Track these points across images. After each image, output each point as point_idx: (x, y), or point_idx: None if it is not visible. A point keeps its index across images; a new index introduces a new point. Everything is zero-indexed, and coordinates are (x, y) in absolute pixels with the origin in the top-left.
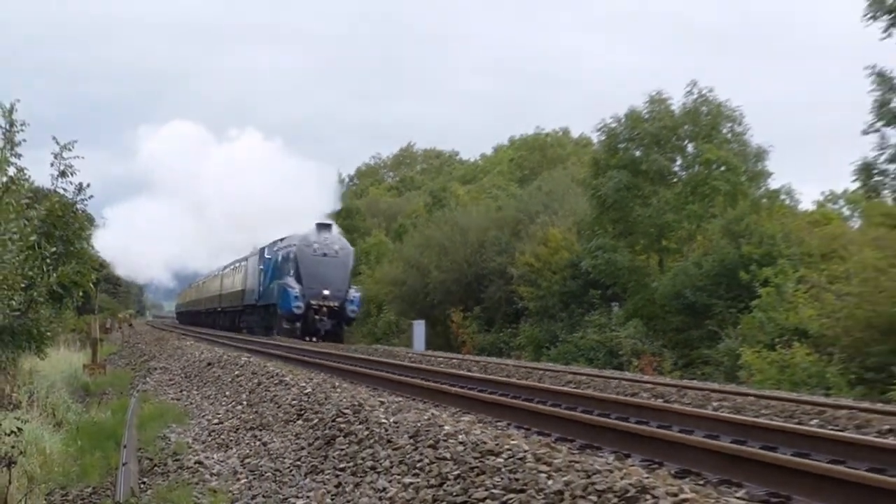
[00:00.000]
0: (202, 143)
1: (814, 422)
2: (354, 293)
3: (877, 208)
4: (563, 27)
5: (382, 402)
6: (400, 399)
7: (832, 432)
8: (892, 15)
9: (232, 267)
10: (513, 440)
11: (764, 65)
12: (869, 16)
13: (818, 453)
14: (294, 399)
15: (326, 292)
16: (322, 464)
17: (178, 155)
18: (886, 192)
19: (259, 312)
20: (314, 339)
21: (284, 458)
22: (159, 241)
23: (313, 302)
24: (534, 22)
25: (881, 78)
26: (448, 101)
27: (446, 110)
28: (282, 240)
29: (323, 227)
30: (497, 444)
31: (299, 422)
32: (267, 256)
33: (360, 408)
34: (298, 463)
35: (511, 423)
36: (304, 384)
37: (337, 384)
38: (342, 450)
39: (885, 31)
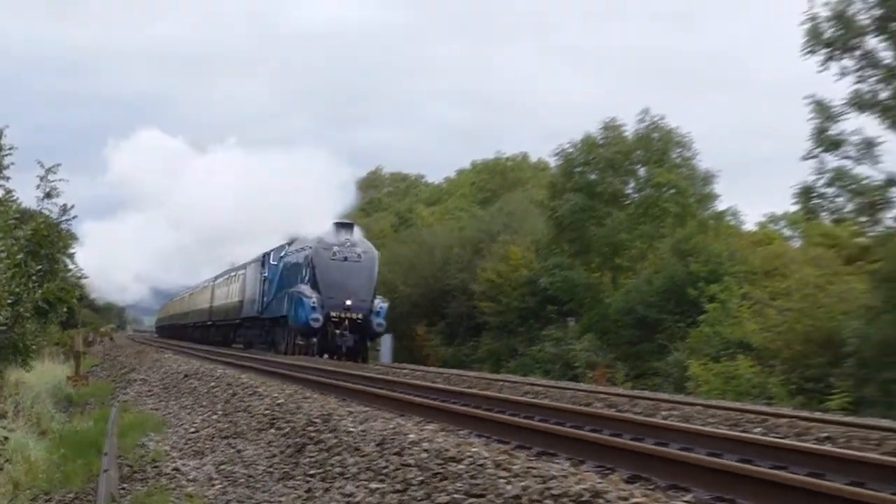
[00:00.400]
0: (176, 155)
1: (757, 430)
2: (381, 303)
3: (816, 229)
4: (523, 57)
5: (351, 412)
6: (367, 409)
7: (774, 439)
8: (830, 49)
9: (226, 277)
10: (473, 448)
11: (713, 95)
12: (807, 50)
13: (761, 459)
14: (267, 409)
15: (349, 302)
16: (293, 470)
17: (151, 165)
18: (824, 214)
19: (262, 326)
20: (328, 357)
21: (257, 464)
22: (136, 257)
23: (333, 314)
24: (496, 52)
25: (820, 107)
26: (414, 127)
27: (412, 136)
28: (290, 244)
29: (343, 226)
30: (459, 452)
31: (272, 430)
32: (272, 262)
33: (330, 417)
34: (271, 469)
35: (472, 431)
36: (276, 395)
37: (307, 395)
38: (312, 457)
39: (823, 63)
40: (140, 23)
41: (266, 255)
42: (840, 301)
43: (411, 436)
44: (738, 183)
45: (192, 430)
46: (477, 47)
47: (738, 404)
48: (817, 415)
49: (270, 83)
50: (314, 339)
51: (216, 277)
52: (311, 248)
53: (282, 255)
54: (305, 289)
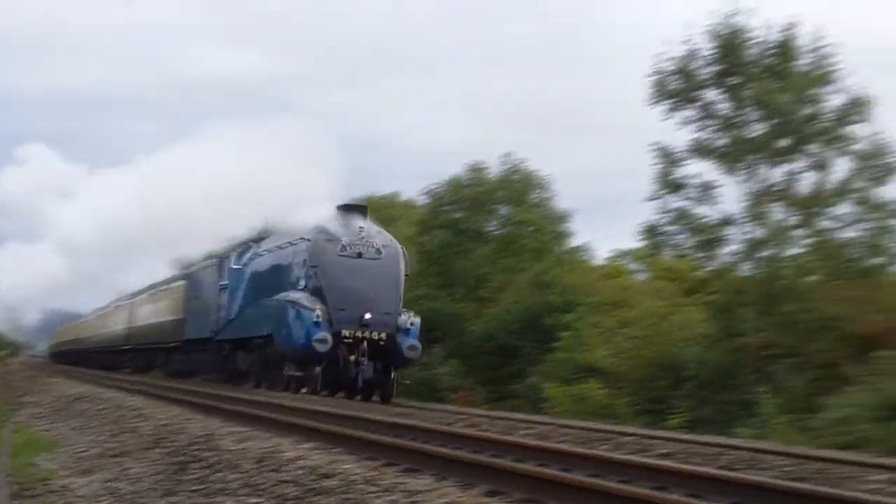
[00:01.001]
0: (67, 174)
1: (604, 447)
2: (412, 318)
3: (659, 264)
4: (398, 101)
5: (231, 432)
6: (247, 429)
7: (620, 456)
8: (673, 99)
9: (153, 291)
10: (345, 465)
11: (567, 140)
12: (654, 100)
13: (608, 474)
14: (152, 429)
15: (368, 317)
16: (176, 487)
17: (40, 185)
18: (667, 249)
19: (218, 351)
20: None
21: (143, 481)
22: (27, 283)
23: (345, 333)
24: (372, 96)
25: (664, 153)
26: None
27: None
28: (258, 241)
29: (352, 210)
30: (331, 468)
31: (157, 449)
32: (234, 267)
33: (211, 437)
34: (155, 486)
35: (344, 450)
36: (161, 416)
37: (191, 416)
38: (195, 474)
39: (667, 113)
40: (41, 67)
41: (224, 259)
42: (680, 329)
43: (288, 454)
44: (591, 220)
45: (82, 449)
46: (353, 92)
47: (588, 423)
48: (659, 433)
49: (166, 125)
50: (318, 369)
51: (136, 294)
52: (308, 240)
53: (249, 256)
54: (302, 297)
